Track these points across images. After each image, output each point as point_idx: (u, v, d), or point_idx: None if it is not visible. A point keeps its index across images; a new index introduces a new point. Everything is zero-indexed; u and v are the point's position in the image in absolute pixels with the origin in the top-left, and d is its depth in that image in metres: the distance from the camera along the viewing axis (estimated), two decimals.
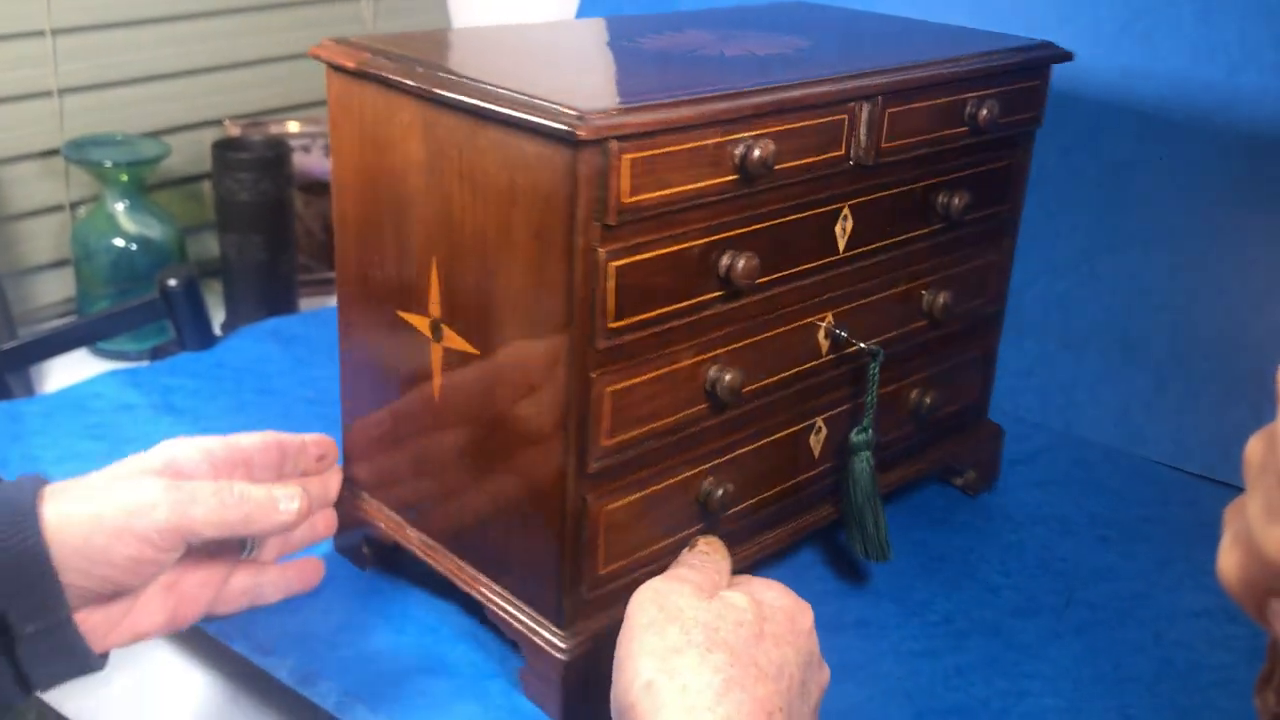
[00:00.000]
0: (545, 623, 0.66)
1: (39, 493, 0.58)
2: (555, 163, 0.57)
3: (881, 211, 0.73)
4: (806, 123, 0.66)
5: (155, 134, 1.23)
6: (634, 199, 0.58)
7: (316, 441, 0.74)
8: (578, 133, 0.55)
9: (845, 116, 0.68)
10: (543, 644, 0.66)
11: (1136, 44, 1.02)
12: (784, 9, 0.91)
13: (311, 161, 1.28)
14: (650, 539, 0.68)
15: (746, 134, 0.62)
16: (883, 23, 0.88)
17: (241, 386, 0.97)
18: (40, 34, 1.13)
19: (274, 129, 1.27)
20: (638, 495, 0.66)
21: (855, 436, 0.75)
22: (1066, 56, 0.81)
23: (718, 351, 0.67)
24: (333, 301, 1.27)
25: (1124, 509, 0.90)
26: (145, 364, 1.01)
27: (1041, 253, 1.02)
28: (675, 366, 0.65)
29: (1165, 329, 0.99)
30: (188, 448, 0.65)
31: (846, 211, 0.71)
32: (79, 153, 1.12)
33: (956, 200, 0.76)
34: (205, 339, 1.00)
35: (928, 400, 0.82)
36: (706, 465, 0.69)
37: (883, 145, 0.70)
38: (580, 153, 0.56)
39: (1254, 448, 0.38)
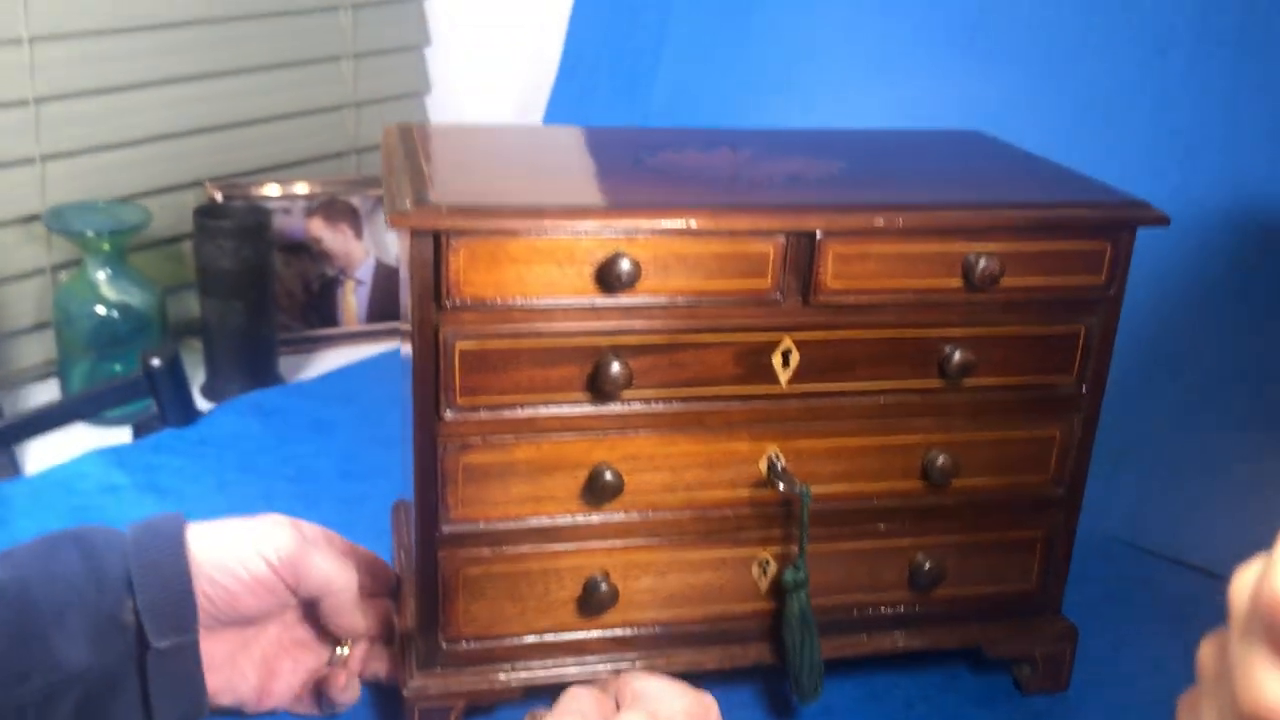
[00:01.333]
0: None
1: (183, 525, 0.68)
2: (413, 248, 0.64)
3: (843, 353, 0.71)
4: (712, 249, 0.67)
5: (136, 196, 1.24)
6: (474, 290, 0.65)
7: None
8: (410, 223, 0.63)
9: (770, 249, 0.67)
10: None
11: (1094, 132, 1.05)
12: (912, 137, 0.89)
13: (292, 223, 1.30)
14: (523, 618, 0.72)
15: (614, 248, 0.65)
16: (981, 156, 0.83)
17: (224, 465, 0.99)
18: (24, 103, 1.15)
19: (254, 190, 1.29)
20: (504, 568, 0.71)
21: (787, 575, 0.73)
22: (1153, 219, 0.71)
23: (592, 454, 0.70)
24: (311, 364, 1.28)
25: (1084, 588, 0.92)
26: (129, 442, 1.02)
27: None
28: (539, 455, 0.69)
29: (1126, 412, 1.01)
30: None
31: (789, 344, 0.70)
32: (60, 222, 1.14)
33: (958, 358, 0.71)
34: (188, 414, 1.02)
35: (928, 567, 0.76)
36: (590, 561, 0.72)
37: (829, 285, 0.68)
38: (415, 240, 0.63)
39: (1206, 654, 0.38)
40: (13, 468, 0.99)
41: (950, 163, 0.83)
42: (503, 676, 0.72)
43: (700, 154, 0.79)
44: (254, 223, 1.18)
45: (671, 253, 0.66)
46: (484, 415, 0.67)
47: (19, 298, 1.20)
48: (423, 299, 0.64)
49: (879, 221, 0.68)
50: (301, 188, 1.31)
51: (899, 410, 0.73)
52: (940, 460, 0.74)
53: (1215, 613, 0.38)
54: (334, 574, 0.71)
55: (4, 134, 1.15)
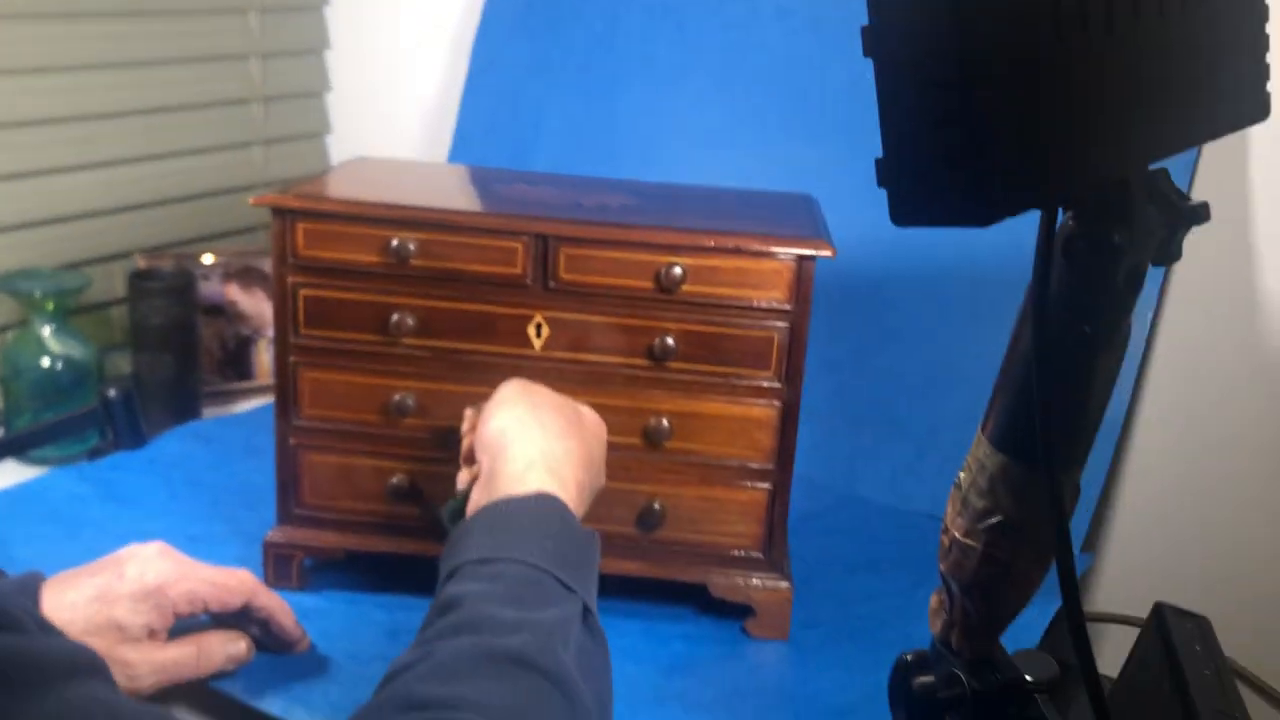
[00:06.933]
0: None
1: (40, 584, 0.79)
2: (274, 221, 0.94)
3: (581, 329, 0.94)
4: (469, 240, 0.92)
5: (72, 265, 1.40)
6: (310, 253, 0.93)
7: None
8: (264, 202, 0.93)
9: (519, 245, 0.92)
10: None
11: None
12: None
13: (210, 288, 1.46)
14: (349, 496, 0.98)
15: (401, 235, 0.92)
16: (760, 206, 1.05)
17: (173, 480, 1.15)
18: None
19: (178, 260, 1.45)
20: (335, 458, 0.97)
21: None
22: (821, 253, 0.91)
23: (400, 382, 0.95)
24: (234, 410, 1.43)
25: (891, 549, 1.13)
26: (86, 462, 1.18)
27: (820, 352, 1.24)
28: (359, 379, 0.96)
29: (924, 409, 1.24)
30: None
31: (540, 319, 0.94)
32: (9, 284, 1.29)
33: (664, 345, 0.93)
34: (138, 440, 1.18)
35: (656, 507, 0.96)
36: (396, 463, 0.97)
37: (562, 276, 0.92)
38: (274, 216, 0.93)
39: None
40: None
41: (721, 206, 1.05)
42: (331, 538, 0.98)
43: (528, 187, 1.05)
44: (181, 283, 1.35)
45: (443, 241, 0.93)
46: (319, 343, 0.95)
47: None
48: (277, 258, 0.94)
49: (601, 233, 0.91)
50: (209, 259, 1.47)
51: (625, 381, 0.95)
52: (652, 423, 0.95)
53: None
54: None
55: None
